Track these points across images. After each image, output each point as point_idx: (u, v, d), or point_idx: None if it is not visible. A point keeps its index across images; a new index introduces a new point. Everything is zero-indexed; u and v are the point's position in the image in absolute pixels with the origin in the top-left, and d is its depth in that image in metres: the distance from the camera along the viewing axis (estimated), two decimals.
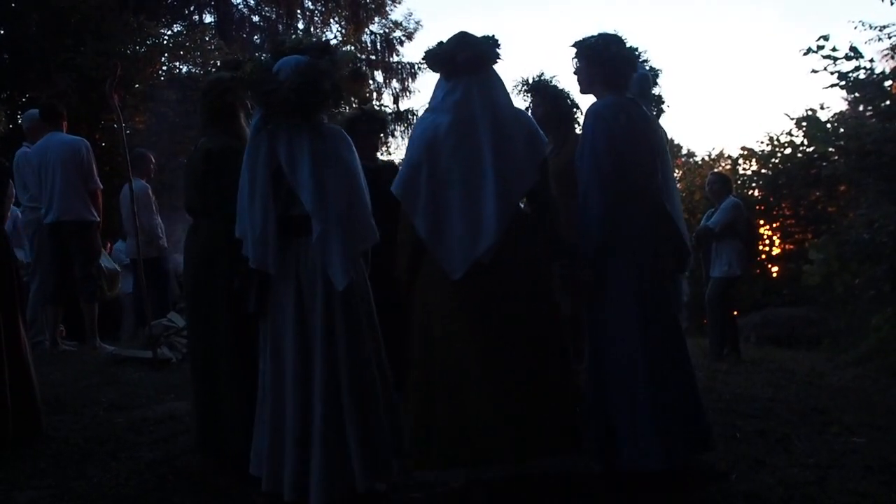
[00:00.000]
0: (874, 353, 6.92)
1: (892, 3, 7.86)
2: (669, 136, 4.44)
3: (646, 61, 4.06)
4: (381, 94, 19.30)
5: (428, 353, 3.01)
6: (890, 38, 8.30)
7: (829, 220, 13.17)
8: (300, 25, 18.79)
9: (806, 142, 13.22)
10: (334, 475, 2.91)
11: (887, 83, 8.12)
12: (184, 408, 4.33)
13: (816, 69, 8.24)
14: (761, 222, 14.45)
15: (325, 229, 2.96)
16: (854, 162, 8.37)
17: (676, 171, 14.25)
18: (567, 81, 4.90)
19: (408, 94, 19.18)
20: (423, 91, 19.40)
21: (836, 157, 10.05)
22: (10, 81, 11.98)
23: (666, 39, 42.89)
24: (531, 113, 4.34)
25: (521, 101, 4.34)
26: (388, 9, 18.95)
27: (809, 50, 8.15)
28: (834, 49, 8.08)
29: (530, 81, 4.31)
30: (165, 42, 13.93)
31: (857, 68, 8.06)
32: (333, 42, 18.65)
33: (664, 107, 4.22)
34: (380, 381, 3.10)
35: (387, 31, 19.18)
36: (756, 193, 15.30)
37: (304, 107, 2.99)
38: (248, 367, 3.29)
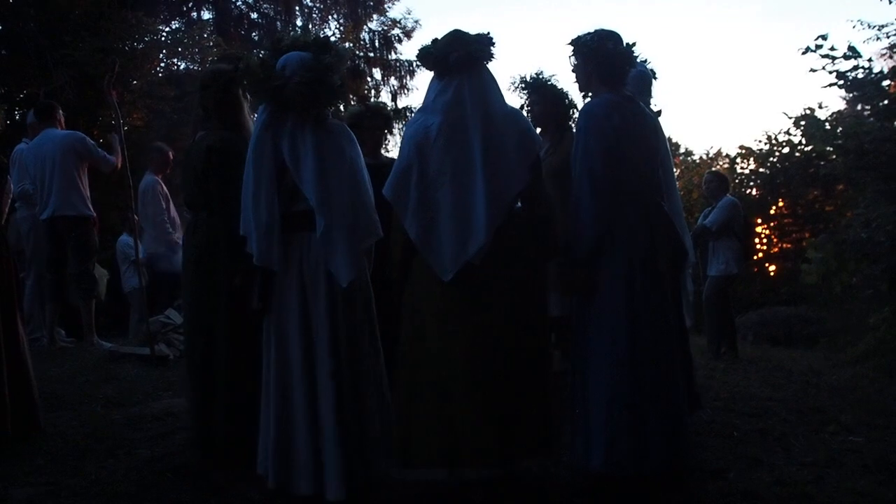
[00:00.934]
0: (872, 352, 6.94)
1: (890, 2, 7.87)
2: (668, 135, 4.39)
3: (645, 61, 4.05)
4: (380, 91, 19.28)
5: (416, 352, 3.02)
6: (888, 37, 8.31)
7: (826, 219, 13.22)
8: (298, 22, 18.77)
9: (804, 141, 13.26)
10: (349, 467, 2.93)
11: (885, 82, 8.12)
12: (181, 404, 4.33)
13: (815, 68, 8.25)
14: (759, 221, 14.48)
15: (329, 225, 2.96)
16: (852, 161, 8.37)
17: (675, 169, 14.24)
18: (565, 80, 4.89)
19: (406, 91, 19.15)
20: (421, 89, 19.43)
21: (834, 157, 10.06)
22: (8, 77, 11.94)
23: (665, 37, 42.91)
24: (528, 111, 4.34)
25: (517, 99, 4.34)
26: (386, 6, 18.92)
27: (808, 49, 8.15)
28: (832, 48, 8.09)
29: (528, 80, 4.30)
30: (164, 39, 13.89)
31: (856, 67, 8.06)
32: (332, 39, 18.69)
33: (654, 107, 4.19)
34: (378, 377, 3.11)
35: (385, 28, 19.15)
36: (754, 192, 15.34)
37: (315, 102, 3.00)
38: (245, 363, 3.29)
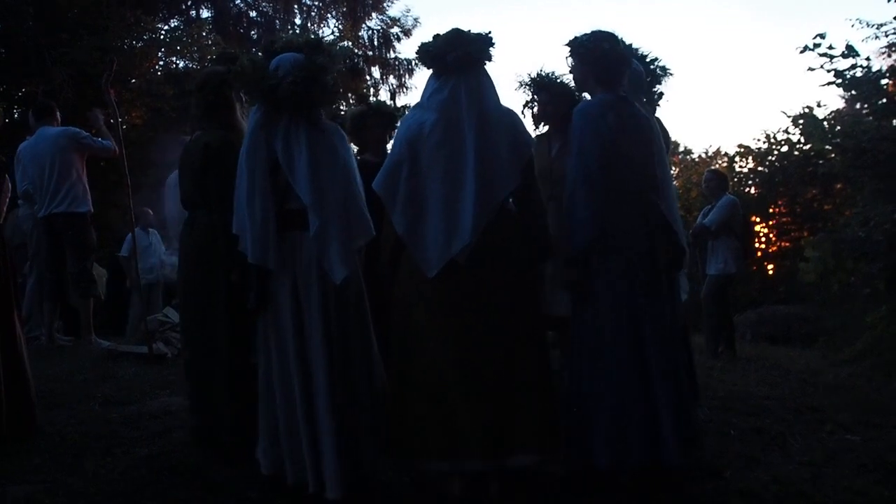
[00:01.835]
0: (869, 350, 6.94)
1: (888, 1, 7.87)
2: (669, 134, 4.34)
3: (656, 59, 4.00)
4: (378, 90, 19.30)
5: (406, 347, 3.04)
6: (887, 35, 8.31)
7: (825, 217, 13.21)
8: (297, 21, 18.77)
9: (803, 139, 13.26)
10: (346, 465, 2.95)
11: (884, 81, 8.12)
12: (179, 403, 4.33)
13: (813, 67, 8.25)
14: (757, 220, 14.48)
15: (323, 223, 2.97)
16: (850, 160, 8.37)
17: (673, 168, 14.25)
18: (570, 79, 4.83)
19: (405, 90, 19.16)
20: (420, 87, 19.29)
21: (833, 155, 10.06)
22: (7, 76, 11.94)
23: (664, 36, 42.92)
24: (538, 110, 4.26)
25: (524, 97, 4.28)
26: (385, 5, 18.94)
27: (806, 48, 8.15)
28: (830, 47, 8.08)
29: (536, 77, 4.23)
30: (162, 37, 13.90)
31: (854, 66, 8.06)
32: (328, 39, 18.67)
33: (660, 103, 4.15)
34: (371, 373, 3.13)
35: (384, 26, 19.16)
36: (752, 191, 15.34)
37: (308, 102, 3.01)
38: (242, 361, 3.30)
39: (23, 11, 11.51)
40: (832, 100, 34.12)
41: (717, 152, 22.40)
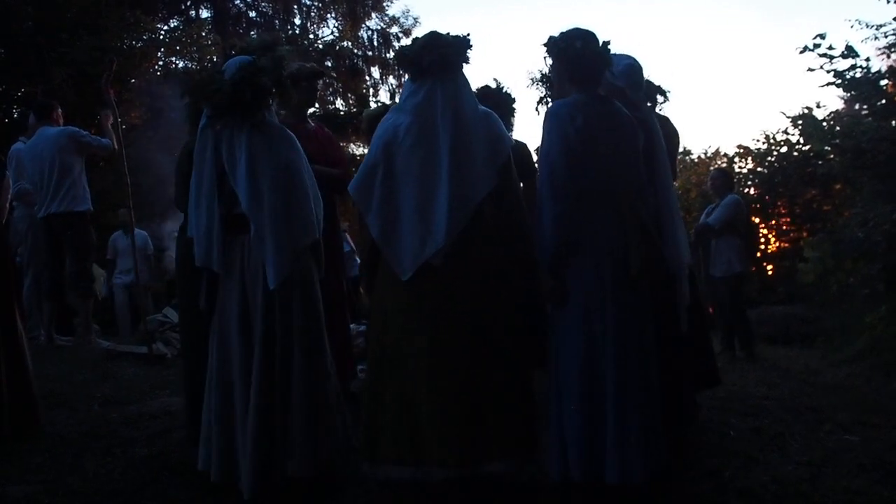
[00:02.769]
0: (868, 351, 6.95)
1: (888, 1, 7.88)
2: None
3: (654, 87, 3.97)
4: (378, 90, 19.30)
5: (380, 351, 3.02)
6: (886, 36, 8.31)
7: (824, 218, 13.22)
8: (297, 21, 18.78)
9: (802, 140, 13.26)
10: (264, 464, 2.94)
11: (883, 82, 8.12)
12: (178, 403, 4.33)
13: (813, 67, 8.26)
14: (756, 220, 14.49)
15: (260, 226, 3.00)
16: (849, 161, 8.38)
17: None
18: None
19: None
20: None
21: (832, 156, 10.06)
22: (5, 76, 11.93)
23: (663, 37, 42.91)
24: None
25: (536, 95, 4.21)
26: (385, 5, 18.94)
27: (806, 48, 8.15)
28: (830, 48, 8.09)
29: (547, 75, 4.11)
30: (162, 37, 13.91)
31: (854, 67, 8.07)
32: (329, 38, 18.64)
33: (661, 99, 4.11)
34: (318, 376, 3.11)
35: (384, 26, 19.16)
36: (752, 191, 15.34)
37: (243, 103, 3.02)
38: None
39: (22, 11, 11.51)
40: (832, 100, 34.20)
41: (717, 153, 22.36)
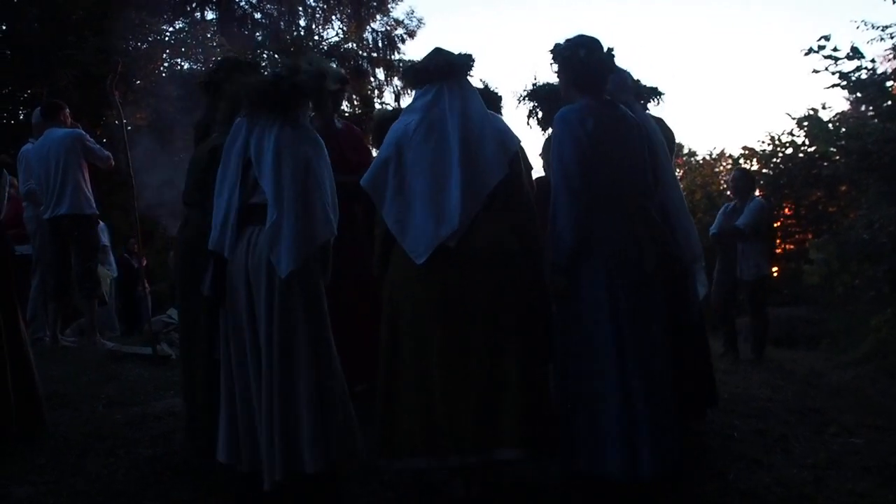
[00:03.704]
0: (873, 353, 6.94)
1: (893, 3, 7.86)
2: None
3: (637, 81, 4.01)
4: (383, 91, 19.32)
5: (394, 341, 3.06)
6: (892, 38, 8.29)
7: (829, 220, 13.18)
8: (302, 23, 18.80)
9: (807, 142, 13.21)
10: (284, 457, 2.95)
11: (889, 83, 8.11)
12: (182, 404, 4.34)
13: (818, 69, 8.24)
14: None
15: (280, 216, 3.03)
16: (855, 162, 8.36)
17: (677, 170, 14.22)
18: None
19: (409, 92, 19.11)
20: None
21: (838, 158, 10.03)
22: (11, 77, 11.98)
23: (667, 38, 42.89)
24: (541, 117, 4.19)
25: (525, 110, 4.23)
26: (389, 6, 18.96)
27: (811, 50, 8.15)
28: (835, 49, 8.08)
29: (532, 89, 4.12)
30: (167, 39, 13.94)
31: (859, 68, 8.06)
32: (334, 40, 18.66)
33: (655, 101, 4.15)
34: (322, 375, 3.08)
35: (388, 28, 19.18)
36: (757, 193, 15.30)
37: (281, 97, 3.10)
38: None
39: (27, 13, 11.56)
40: (837, 102, 34.05)
41: (722, 154, 22.35)
